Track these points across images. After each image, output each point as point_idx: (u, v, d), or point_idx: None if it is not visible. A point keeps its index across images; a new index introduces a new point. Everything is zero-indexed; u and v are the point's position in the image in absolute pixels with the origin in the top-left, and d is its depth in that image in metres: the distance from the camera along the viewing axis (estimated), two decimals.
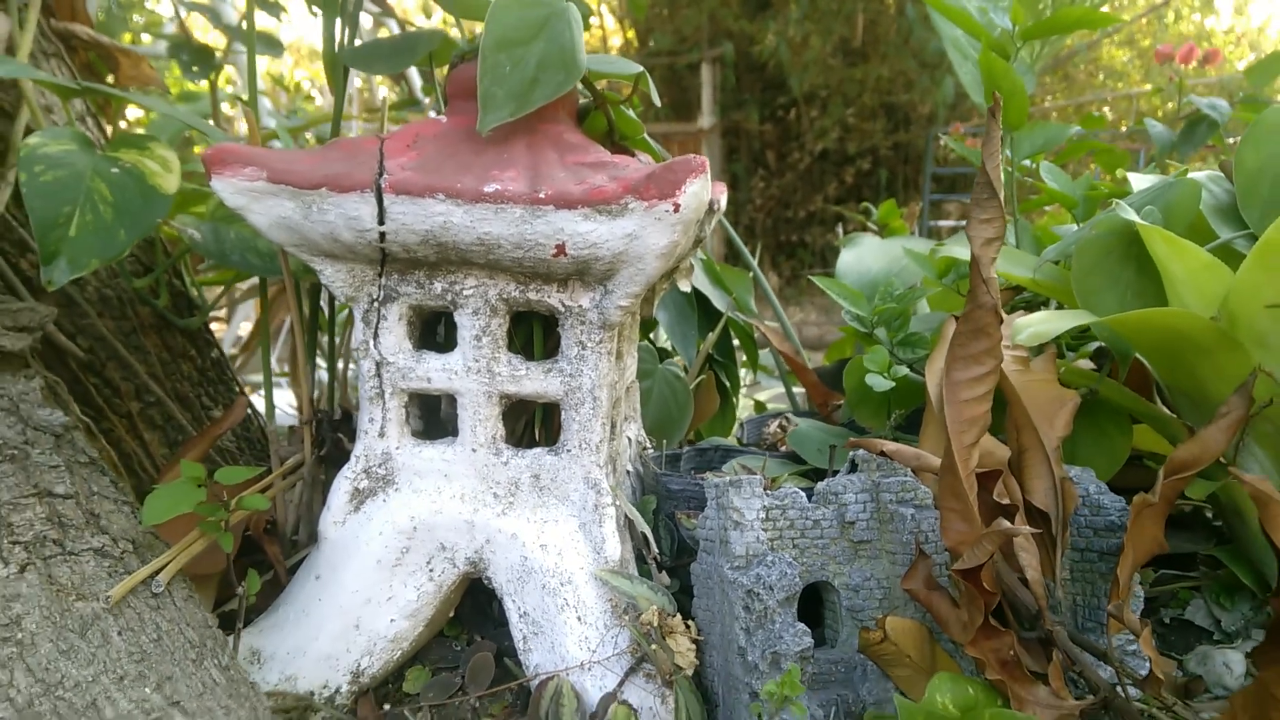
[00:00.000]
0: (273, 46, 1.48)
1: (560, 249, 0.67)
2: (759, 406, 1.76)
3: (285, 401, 1.58)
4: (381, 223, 0.68)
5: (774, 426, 1.26)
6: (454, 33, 0.91)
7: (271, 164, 0.67)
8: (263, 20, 1.45)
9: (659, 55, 8.99)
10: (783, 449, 1.15)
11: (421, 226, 0.68)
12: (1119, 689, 0.62)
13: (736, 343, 1.24)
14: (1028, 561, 0.61)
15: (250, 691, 0.59)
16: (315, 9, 0.92)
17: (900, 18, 9.29)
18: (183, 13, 1.48)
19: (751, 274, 1.33)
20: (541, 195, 0.66)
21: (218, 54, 1.37)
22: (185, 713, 0.51)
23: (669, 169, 0.65)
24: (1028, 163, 1.32)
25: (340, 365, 1.03)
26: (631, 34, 9.17)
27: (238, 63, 2.43)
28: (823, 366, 1.40)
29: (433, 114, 1.00)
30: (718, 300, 1.16)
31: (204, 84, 1.40)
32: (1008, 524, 0.57)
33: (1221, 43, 11.24)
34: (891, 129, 9.78)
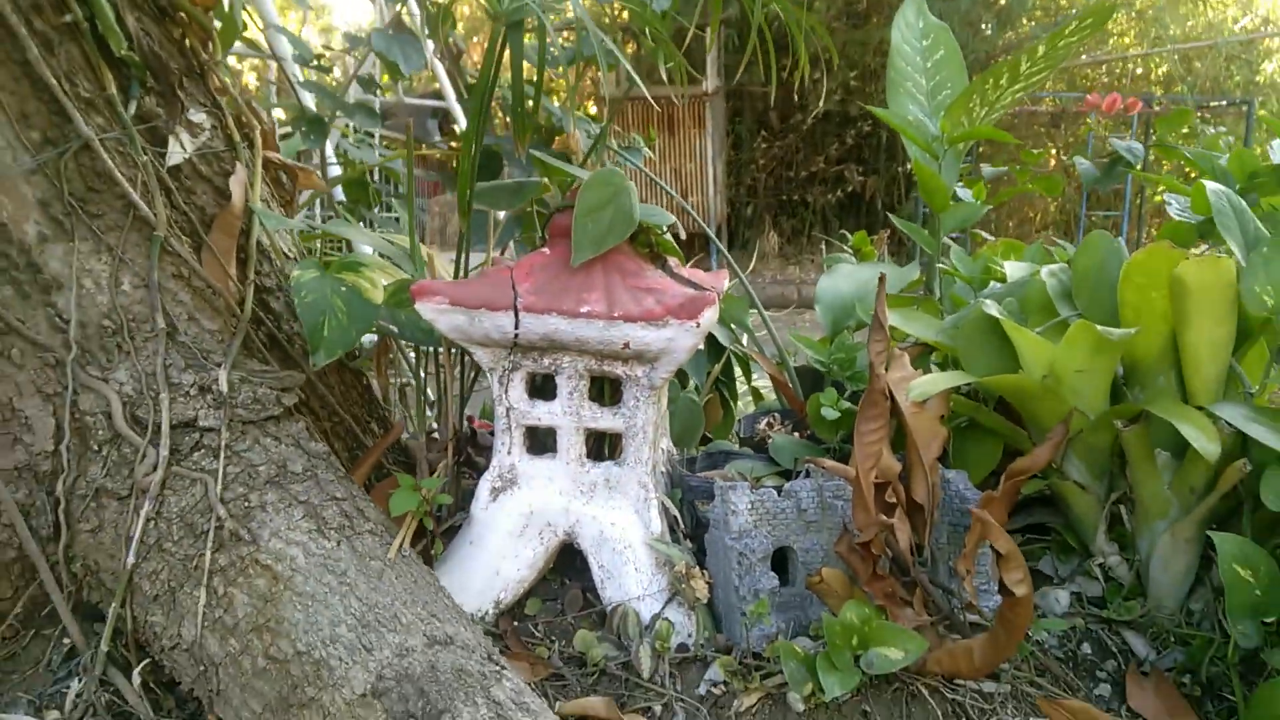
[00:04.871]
0: (372, 118, 1.89)
1: (626, 344, 1.10)
2: (755, 394, 2.19)
3: None
4: (517, 328, 1.10)
5: (763, 424, 1.69)
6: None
7: (451, 293, 1.10)
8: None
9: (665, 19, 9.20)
10: (771, 441, 1.59)
11: (541, 330, 1.10)
12: (955, 610, 1.07)
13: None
14: (901, 537, 1.05)
15: (462, 611, 1.03)
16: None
17: None
18: (302, 92, 1.89)
19: (746, 300, 1.76)
20: (616, 314, 1.08)
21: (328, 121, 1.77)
22: (439, 619, 0.95)
23: (694, 301, 1.08)
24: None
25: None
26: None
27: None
28: (804, 367, 1.82)
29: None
30: (722, 337, 1.58)
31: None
32: (884, 518, 1.01)
33: (1214, 4, 11.38)
34: None
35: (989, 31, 10.01)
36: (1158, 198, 1.78)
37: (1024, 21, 10.61)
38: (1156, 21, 10.71)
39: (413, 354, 1.83)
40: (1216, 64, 10.62)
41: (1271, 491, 1.07)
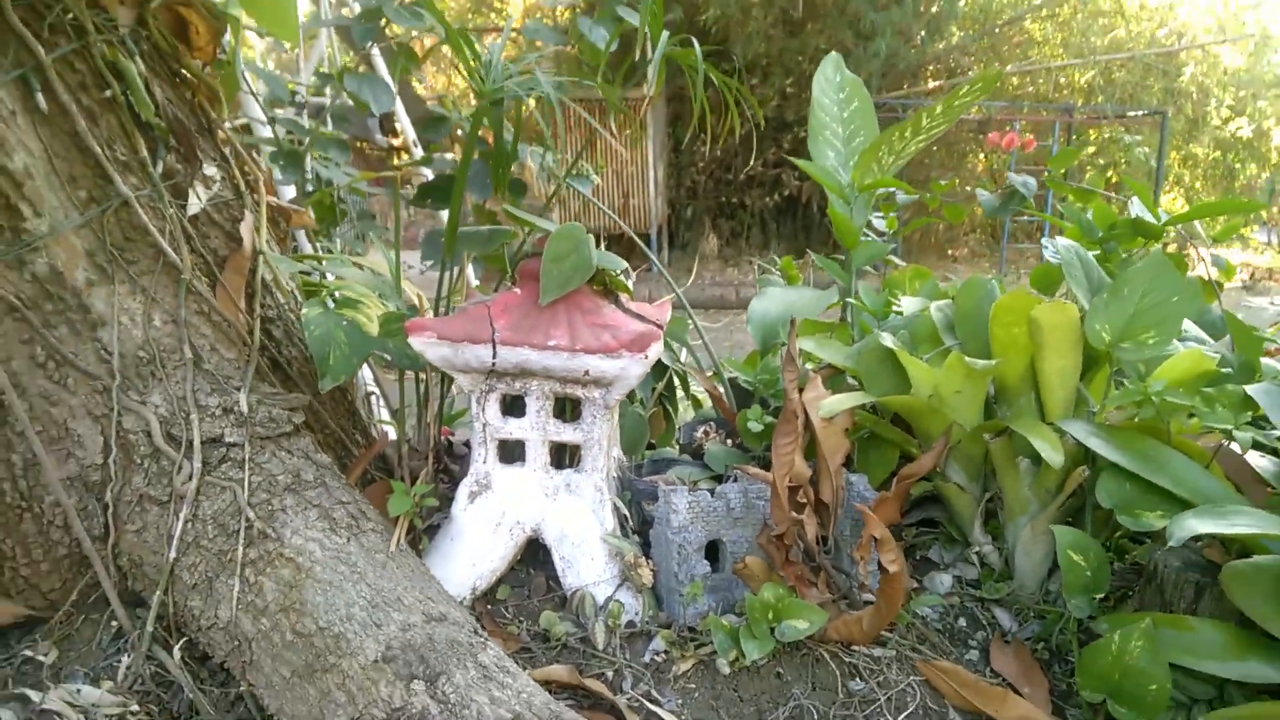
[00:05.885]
0: (343, 151, 2.08)
1: (586, 372, 1.32)
2: (695, 402, 2.42)
3: None
4: (494, 358, 1.32)
5: (700, 433, 1.93)
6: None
7: (439, 329, 1.30)
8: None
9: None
10: (706, 449, 1.82)
11: (514, 360, 1.32)
12: (853, 589, 1.31)
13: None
14: (809, 530, 1.30)
15: (451, 595, 1.25)
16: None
17: None
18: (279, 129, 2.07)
19: (686, 317, 1.99)
20: (578, 348, 1.30)
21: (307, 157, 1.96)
22: (434, 601, 1.16)
23: (642, 336, 1.30)
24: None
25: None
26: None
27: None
28: (735, 378, 2.06)
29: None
30: (665, 358, 1.81)
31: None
32: (796, 515, 1.25)
33: (1134, 16, 11.95)
34: None
35: (920, 42, 10.45)
36: (1077, 205, 2.05)
37: (954, 30, 11.11)
38: (1082, 32, 11.25)
39: (371, 374, 2.03)
40: (1136, 74, 11.21)
41: (1104, 492, 1.33)
